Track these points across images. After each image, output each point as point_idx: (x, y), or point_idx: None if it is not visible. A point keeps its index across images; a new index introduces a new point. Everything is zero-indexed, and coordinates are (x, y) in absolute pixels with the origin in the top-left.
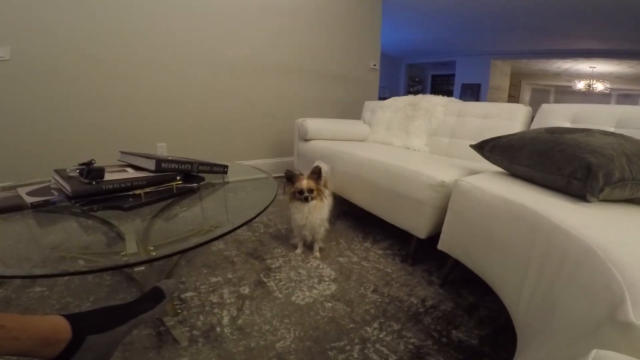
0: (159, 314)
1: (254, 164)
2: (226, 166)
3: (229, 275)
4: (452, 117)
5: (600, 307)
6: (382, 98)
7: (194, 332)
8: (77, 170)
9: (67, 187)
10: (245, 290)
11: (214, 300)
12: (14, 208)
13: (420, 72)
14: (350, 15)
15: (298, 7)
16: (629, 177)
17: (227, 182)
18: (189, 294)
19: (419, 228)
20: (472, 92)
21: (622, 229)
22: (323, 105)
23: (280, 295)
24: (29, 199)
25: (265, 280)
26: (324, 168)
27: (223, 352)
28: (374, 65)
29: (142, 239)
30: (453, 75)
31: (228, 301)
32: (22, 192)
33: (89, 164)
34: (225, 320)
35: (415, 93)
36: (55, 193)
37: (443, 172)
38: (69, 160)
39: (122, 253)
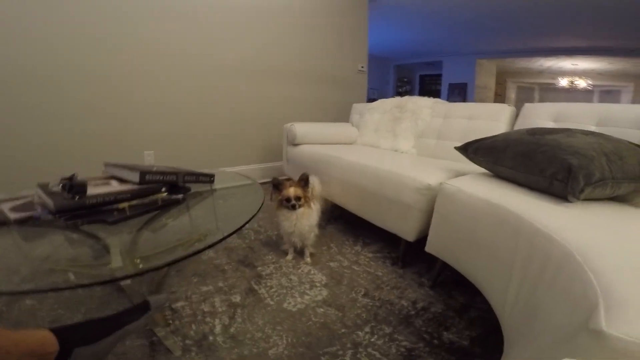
0: (145, 325)
1: (243, 169)
2: (212, 175)
3: (220, 284)
4: (438, 119)
5: (578, 313)
6: (371, 99)
7: (187, 341)
8: (60, 185)
9: (51, 203)
10: (237, 298)
11: (206, 309)
12: None
13: (409, 72)
14: (337, 18)
15: (284, 12)
16: (608, 177)
17: (215, 190)
18: (180, 303)
19: (407, 231)
20: (460, 92)
21: (602, 231)
22: (312, 108)
23: (271, 302)
24: (13, 215)
25: (256, 287)
26: (314, 179)
27: None
28: (362, 67)
29: (129, 252)
30: (440, 75)
31: (220, 310)
32: (5, 207)
33: (71, 178)
34: (218, 328)
35: (404, 93)
36: (39, 208)
37: (429, 175)
38: (54, 169)
39: (109, 266)
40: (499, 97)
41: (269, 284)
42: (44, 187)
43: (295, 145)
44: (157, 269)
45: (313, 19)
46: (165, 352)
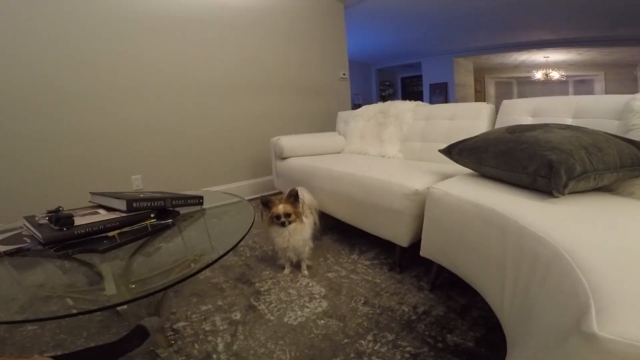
0: (146, 350)
1: (233, 187)
2: (201, 197)
3: (219, 302)
4: (421, 122)
5: (569, 313)
6: (357, 104)
7: None
8: (46, 218)
9: (39, 235)
10: (237, 315)
11: (207, 328)
12: None
13: (390, 75)
14: (315, 27)
15: (262, 26)
16: (590, 169)
17: (205, 211)
18: (181, 323)
19: (401, 237)
20: (441, 92)
21: (589, 226)
22: (297, 120)
23: (272, 318)
24: (2, 248)
25: (255, 304)
26: (304, 195)
27: None
28: (344, 74)
29: (124, 277)
30: (421, 76)
31: (221, 328)
32: None
33: (56, 211)
34: (221, 347)
35: (387, 97)
36: (28, 240)
37: (416, 180)
38: (40, 198)
39: (104, 293)
40: (479, 94)
41: (268, 300)
42: (30, 219)
43: (284, 159)
44: (155, 292)
45: (291, 31)
46: None
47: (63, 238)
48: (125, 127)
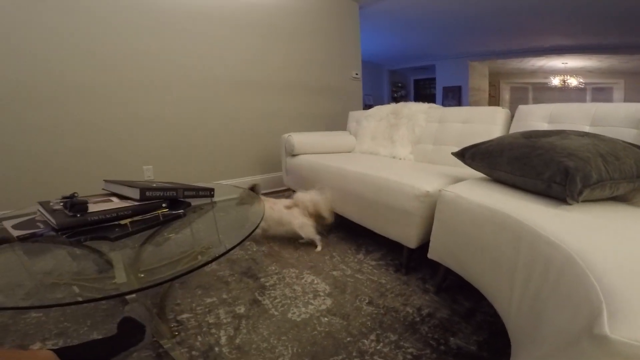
0: (147, 344)
1: (242, 181)
2: (212, 189)
3: (224, 295)
4: (434, 124)
5: (581, 317)
6: (367, 105)
7: (193, 352)
8: (61, 204)
9: (53, 220)
10: (241, 309)
11: (211, 321)
12: (2, 241)
13: (403, 77)
14: (329, 26)
15: (277, 23)
16: (606, 177)
17: (215, 204)
18: (185, 315)
19: (409, 238)
20: (454, 95)
21: (603, 233)
22: (309, 118)
23: (276, 313)
24: (16, 232)
25: (260, 298)
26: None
27: None
28: (356, 74)
29: (133, 266)
30: (434, 79)
31: (225, 321)
32: (7, 225)
33: (71, 197)
34: (223, 340)
35: (399, 98)
36: (41, 225)
37: (427, 182)
38: (53, 186)
39: (114, 281)
40: (493, 99)
41: (272, 295)
42: (45, 204)
43: (294, 155)
44: (164, 282)
45: (304, 30)
46: None
47: (76, 224)
48: (139, 119)
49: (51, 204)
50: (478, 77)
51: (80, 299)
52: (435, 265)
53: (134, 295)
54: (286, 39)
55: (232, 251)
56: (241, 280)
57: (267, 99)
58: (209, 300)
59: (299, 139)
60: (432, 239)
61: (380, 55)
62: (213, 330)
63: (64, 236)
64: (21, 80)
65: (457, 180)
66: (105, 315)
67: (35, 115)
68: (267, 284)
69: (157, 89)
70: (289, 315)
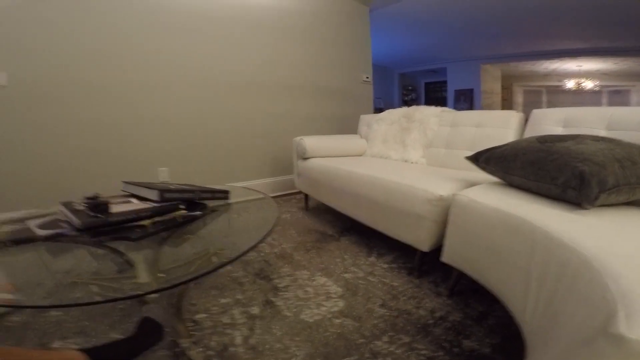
0: (165, 344)
1: (254, 184)
2: (228, 191)
3: (238, 296)
4: (446, 128)
5: (597, 317)
6: (378, 109)
7: (209, 352)
8: (84, 204)
9: (76, 220)
10: (255, 310)
11: (225, 321)
12: (27, 240)
13: (413, 80)
14: (340, 30)
15: (289, 26)
16: (622, 182)
17: (230, 206)
18: (200, 315)
19: (421, 242)
20: (465, 98)
21: (619, 237)
22: (320, 121)
23: (289, 314)
24: (41, 232)
25: (273, 299)
26: None
27: None
28: (367, 77)
29: (153, 267)
30: (445, 82)
31: (239, 321)
32: (31, 224)
33: (94, 198)
34: (238, 340)
35: (410, 101)
36: (64, 225)
37: (441, 186)
38: (70, 186)
39: (134, 281)
40: (506, 102)
41: (285, 296)
42: (67, 205)
43: (305, 159)
44: (185, 282)
45: (315, 33)
46: None
47: (98, 224)
48: (154, 121)
49: (73, 204)
50: (490, 80)
51: (100, 299)
52: (447, 269)
53: (154, 295)
54: (297, 41)
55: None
56: (254, 281)
57: (277, 102)
58: (223, 300)
59: (310, 142)
60: (445, 242)
61: (390, 58)
62: (228, 331)
63: (87, 236)
64: (41, 80)
65: (470, 184)
66: (122, 315)
67: (54, 115)
68: (280, 285)
69: (173, 91)
70: (302, 316)
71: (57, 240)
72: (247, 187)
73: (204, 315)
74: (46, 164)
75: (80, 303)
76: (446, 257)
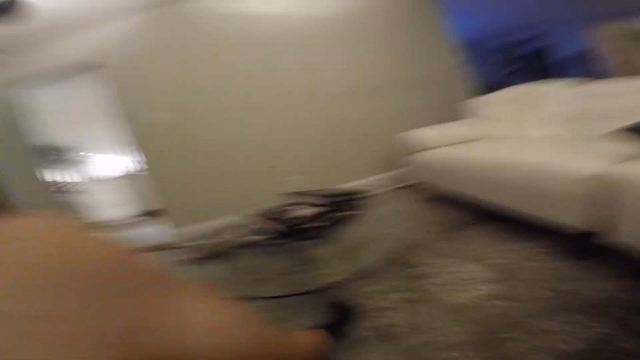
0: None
1: (368, 181)
2: (368, 191)
3: (393, 283)
4: (575, 101)
5: None
6: (485, 87)
7: (378, 332)
8: (271, 214)
9: (278, 228)
10: (411, 295)
11: (386, 305)
12: (249, 245)
13: (515, 51)
14: (414, 20)
15: (363, 29)
16: None
17: (373, 199)
18: (363, 300)
19: (572, 224)
20: (577, 64)
21: None
22: (421, 114)
23: (445, 297)
24: (254, 238)
25: (426, 285)
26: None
27: (405, 347)
28: (458, 60)
29: (346, 260)
30: (551, 48)
31: (398, 305)
32: (241, 232)
33: (280, 211)
34: (401, 321)
35: (514, 74)
36: (268, 231)
37: (589, 163)
38: (239, 197)
39: (329, 272)
40: (626, 67)
41: (439, 282)
42: (264, 214)
43: (421, 150)
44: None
45: (390, 29)
46: (361, 340)
47: (291, 229)
48: (285, 138)
49: (265, 214)
50: (608, 42)
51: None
52: (616, 251)
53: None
54: (381, 44)
55: (389, 243)
56: (403, 269)
57: (368, 102)
58: (379, 287)
59: (424, 134)
60: (620, 222)
61: (486, 31)
62: (391, 313)
63: (288, 239)
64: (194, 117)
65: (621, 159)
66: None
67: (215, 138)
68: (431, 272)
69: (300, 106)
70: (459, 300)
71: (264, 244)
72: (365, 184)
73: (368, 300)
74: (225, 180)
75: (292, 294)
76: (620, 237)
